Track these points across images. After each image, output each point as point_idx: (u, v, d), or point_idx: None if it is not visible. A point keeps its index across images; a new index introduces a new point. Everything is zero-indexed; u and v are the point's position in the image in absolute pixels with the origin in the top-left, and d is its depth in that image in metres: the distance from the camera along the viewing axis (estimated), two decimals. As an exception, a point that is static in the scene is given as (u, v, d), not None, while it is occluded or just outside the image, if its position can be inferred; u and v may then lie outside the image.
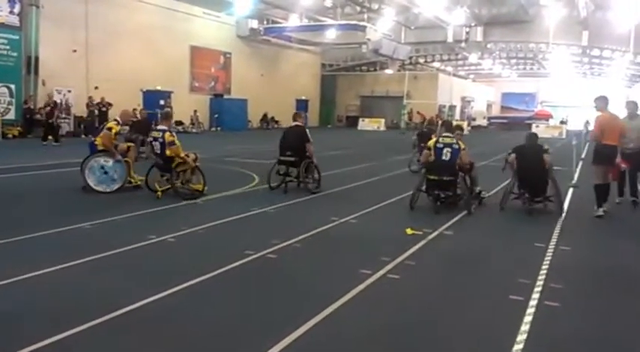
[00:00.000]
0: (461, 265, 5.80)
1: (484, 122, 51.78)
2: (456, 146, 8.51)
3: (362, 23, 30.89)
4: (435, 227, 7.25)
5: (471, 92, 55.14)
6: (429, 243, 6.56)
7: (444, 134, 8.74)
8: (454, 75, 51.65)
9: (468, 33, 37.54)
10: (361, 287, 4.84)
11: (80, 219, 6.91)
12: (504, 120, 52.45)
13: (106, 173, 9.14)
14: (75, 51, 22.90)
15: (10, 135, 19.89)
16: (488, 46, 41.19)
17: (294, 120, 10.64)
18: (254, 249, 5.85)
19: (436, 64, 48.72)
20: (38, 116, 21.00)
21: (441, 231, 7.12)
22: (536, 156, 8.45)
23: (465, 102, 52.36)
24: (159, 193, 8.82)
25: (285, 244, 6.17)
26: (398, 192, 9.81)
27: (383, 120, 39.80)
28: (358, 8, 33.26)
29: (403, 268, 5.49)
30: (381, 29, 32.76)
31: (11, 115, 20.25)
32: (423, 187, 8.57)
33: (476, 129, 42.07)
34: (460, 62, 49.08)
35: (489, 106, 61.76)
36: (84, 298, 4.38)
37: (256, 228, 7.13)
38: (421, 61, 45.69)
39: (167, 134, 8.77)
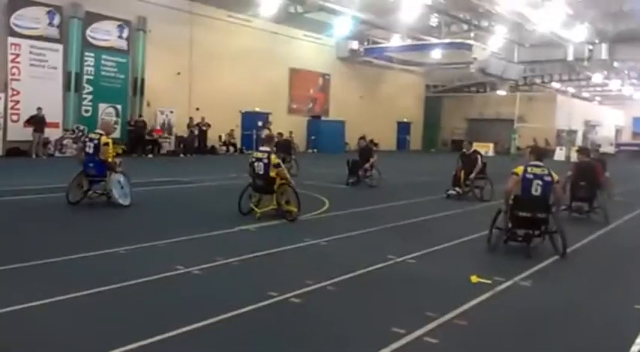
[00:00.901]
0: (528, 330, 4.52)
1: (611, 149, 46.90)
2: (548, 178, 7.02)
3: (468, 41, 29.24)
4: (511, 275, 5.94)
5: (596, 116, 50.42)
6: (495, 295, 5.31)
7: (533, 163, 7.23)
8: (575, 96, 47.57)
9: (591, 50, 34.25)
10: (383, 353, 3.81)
11: (111, 244, 6.52)
12: (636, 148, 47.14)
13: (122, 188, 9.35)
14: (179, 73, 23.84)
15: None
16: (615, 64, 37.30)
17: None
18: (280, 289, 5.03)
19: (555, 85, 45.09)
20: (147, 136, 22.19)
21: (515, 281, 5.80)
22: None
23: (589, 126, 47.90)
24: (259, 214, 8.70)
25: (317, 286, 5.28)
26: (480, 227, 8.46)
27: (492, 145, 37.34)
28: (465, 26, 31.61)
29: (448, 329, 4.36)
30: (490, 47, 30.82)
31: (117, 134, 21.30)
32: (502, 224, 7.16)
33: (605, 156, 38.07)
34: (583, 83, 45.01)
35: (618, 132, 56.06)
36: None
37: (297, 263, 6.31)
38: (537, 81, 42.52)
39: (273, 156, 8.89)
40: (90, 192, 9.37)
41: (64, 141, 19.84)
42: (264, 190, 8.93)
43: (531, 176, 7.04)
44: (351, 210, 10.28)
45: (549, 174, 7.03)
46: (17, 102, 19.06)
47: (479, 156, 12.24)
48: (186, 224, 8.15)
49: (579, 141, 41.64)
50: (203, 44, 24.39)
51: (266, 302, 4.72)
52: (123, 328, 4.10)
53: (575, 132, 42.61)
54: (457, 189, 11.98)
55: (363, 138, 15.02)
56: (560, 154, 33.75)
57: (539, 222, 7.06)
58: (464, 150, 12.70)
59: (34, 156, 18.76)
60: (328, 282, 5.40)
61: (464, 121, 42.39)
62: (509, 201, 7.08)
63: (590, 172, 10.16)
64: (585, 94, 51.44)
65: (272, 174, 8.77)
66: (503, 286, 5.58)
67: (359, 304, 4.95)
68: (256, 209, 8.86)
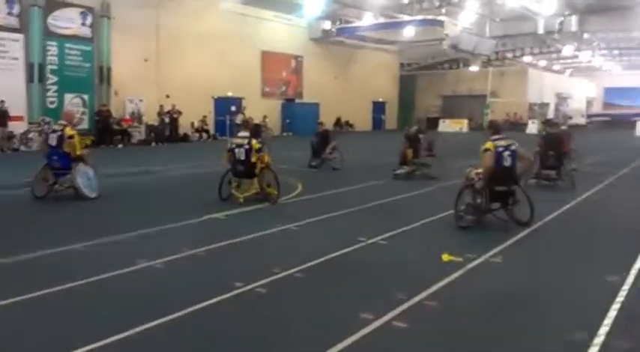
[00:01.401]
0: (499, 308, 4.46)
1: (582, 120, 47.51)
2: (514, 147, 7.18)
3: (440, 18, 29.04)
4: (481, 252, 5.89)
5: (567, 88, 50.87)
6: (466, 274, 5.25)
7: (495, 137, 7.24)
8: (547, 69, 47.86)
9: (561, 23, 34.31)
10: (349, 340, 3.71)
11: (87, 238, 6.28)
12: (606, 118, 47.82)
13: (89, 180, 9.15)
14: (146, 60, 23.19)
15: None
16: (585, 36, 37.53)
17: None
18: (246, 279, 4.89)
19: (527, 59, 45.24)
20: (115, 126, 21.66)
21: (486, 258, 5.76)
22: None
23: (560, 99, 48.33)
24: (241, 199, 8.66)
25: (285, 274, 5.15)
26: (448, 206, 8.39)
27: (466, 121, 37.49)
28: (437, 2, 31.38)
29: (418, 311, 4.28)
30: (462, 23, 30.67)
31: (85, 125, 20.76)
32: (479, 201, 7.11)
33: (573, 129, 38.47)
34: (554, 55, 45.21)
35: (589, 103, 56.72)
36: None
37: (266, 251, 6.15)
38: (509, 55, 42.60)
39: (254, 141, 8.91)
40: (56, 186, 9.08)
41: (30, 135, 19.22)
42: (246, 175, 8.94)
43: (501, 149, 7.13)
44: (323, 192, 10.13)
45: (513, 144, 7.21)
46: (-24, 95, 18.37)
47: (420, 136, 12.25)
48: (153, 215, 7.91)
49: (551, 114, 42.05)
50: (170, 29, 23.74)
51: (231, 294, 4.58)
52: (81, 328, 3.93)
53: (547, 104, 43.00)
54: (405, 167, 11.96)
55: (321, 123, 15.39)
56: (532, 127, 34.00)
57: (512, 193, 7.18)
58: (412, 130, 12.50)
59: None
60: (296, 269, 5.27)
61: (438, 98, 42.43)
62: (486, 176, 7.06)
63: (558, 142, 10.96)
64: (556, 67, 51.79)
65: (253, 159, 8.79)
66: (474, 264, 5.53)
67: (327, 291, 4.82)
68: (238, 194, 8.82)
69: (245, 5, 26.52)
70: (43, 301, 4.42)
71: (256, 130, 9.87)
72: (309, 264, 5.43)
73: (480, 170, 7.13)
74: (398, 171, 11.94)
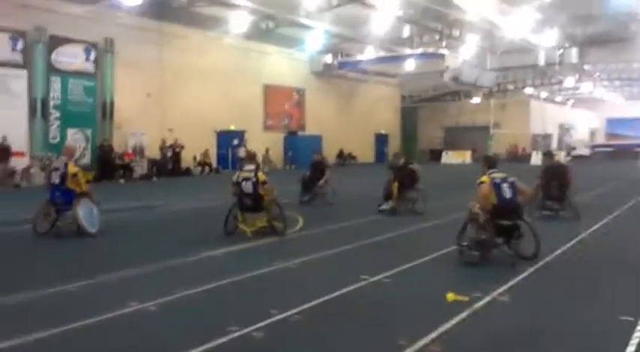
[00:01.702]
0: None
1: (586, 151, 47.42)
2: (512, 179, 7.07)
3: (440, 51, 29.33)
4: (488, 290, 5.65)
5: (570, 119, 51.02)
6: (472, 314, 5.00)
7: (491, 171, 7.15)
8: (549, 101, 48.07)
9: (561, 55, 34.62)
10: (349, 392, 3.45)
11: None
12: (610, 149, 47.71)
13: (91, 216, 9.05)
14: (149, 95, 23.36)
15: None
16: (586, 67, 37.85)
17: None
18: (241, 323, 4.65)
19: (528, 90, 45.55)
20: (118, 160, 21.65)
21: (493, 296, 5.50)
22: None
23: (563, 129, 48.41)
24: (249, 233, 8.67)
25: (283, 315, 4.91)
26: (448, 242, 8.16)
27: (469, 153, 37.44)
28: (437, 36, 31.76)
29: (422, 359, 4.02)
30: (463, 56, 30.94)
31: (87, 160, 20.75)
32: (483, 237, 6.90)
33: (576, 160, 38.36)
34: (556, 87, 45.53)
35: (592, 134, 56.78)
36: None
37: (263, 290, 5.92)
38: (510, 87, 42.93)
39: (260, 173, 9.02)
40: (58, 222, 8.96)
41: (32, 170, 19.19)
42: (254, 208, 8.89)
43: (499, 180, 7.03)
44: (324, 227, 9.93)
45: (510, 176, 7.14)
46: (-21, 131, 18.43)
47: (414, 168, 11.71)
48: (150, 253, 7.71)
49: (555, 145, 42.02)
50: (173, 64, 24.00)
51: (224, 339, 4.33)
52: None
53: (550, 136, 43.04)
54: (390, 202, 11.26)
55: (318, 153, 14.80)
56: (536, 158, 33.89)
57: (517, 228, 6.98)
58: (396, 162, 11.92)
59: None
60: (295, 310, 5.03)
61: (441, 130, 42.54)
62: (486, 210, 6.88)
63: (560, 173, 11.06)
64: (558, 98, 52.10)
65: (261, 191, 8.79)
66: (480, 303, 5.28)
67: (326, 335, 4.57)
68: (245, 227, 8.78)
69: (248, 40, 26.84)
70: (30, 347, 4.20)
71: (252, 155, 9.98)
72: (307, 305, 5.19)
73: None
74: (383, 207, 11.25)
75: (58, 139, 20.53)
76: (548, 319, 4.93)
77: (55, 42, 20.39)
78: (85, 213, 8.92)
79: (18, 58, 19.41)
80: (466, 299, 5.37)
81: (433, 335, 4.42)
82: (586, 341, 4.41)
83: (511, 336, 4.51)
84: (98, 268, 6.59)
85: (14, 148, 18.75)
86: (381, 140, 38.49)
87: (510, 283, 5.99)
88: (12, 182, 18.60)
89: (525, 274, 6.42)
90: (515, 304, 5.36)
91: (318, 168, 13.56)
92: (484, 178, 7.05)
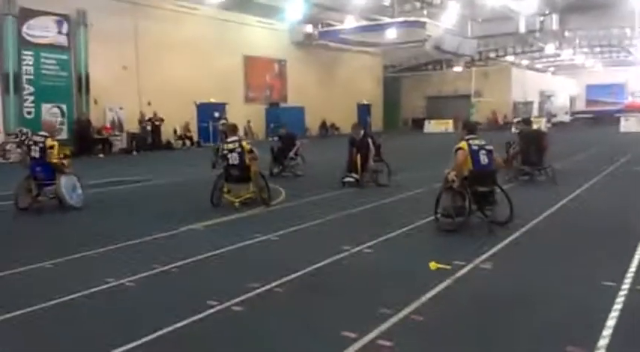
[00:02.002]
0: (491, 319, 4.20)
1: (566, 118, 47.79)
2: (489, 147, 7.06)
3: (422, 19, 29.02)
4: (471, 257, 5.65)
5: (551, 86, 51.19)
6: (455, 282, 4.99)
7: (469, 136, 7.13)
8: (530, 68, 48.13)
9: (542, 22, 34.58)
10: (331, 364, 3.42)
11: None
12: (590, 115, 48.09)
13: (74, 190, 9.12)
14: (125, 67, 22.82)
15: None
16: (566, 34, 37.87)
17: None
18: (221, 297, 4.57)
19: (510, 58, 45.50)
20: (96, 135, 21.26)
21: (476, 264, 5.50)
22: None
23: (544, 97, 48.61)
24: (236, 204, 8.78)
25: (264, 289, 4.84)
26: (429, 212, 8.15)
27: (451, 122, 37.49)
28: (418, 4, 31.43)
29: (404, 327, 3.99)
30: (444, 24, 30.68)
31: (63, 135, 20.29)
32: (460, 204, 6.90)
33: (557, 126, 38.66)
34: (536, 54, 45.54)
35: (573, 100, 57.13)
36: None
37: (244, 264, 5.85)
38: (492, 55, 42.84)
39: (244, 143, 9.14)
40: (40, 197, 8.94)
41: (7, 147, 18.76)
42: (241, 179, 9.00)
43: (476, 147, 7.02)
44: (306, 199, 9.85)
45: (488, 144, 7.10)
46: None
47: (369, 140, 11.35)
48: (131, 228, 7.57)
49: (536, 112, 42.24)
50: (149, 35, 23.40)
51: (204, 314, 4.26)
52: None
53: (531, 103, 43.22)
54: (354, 175, 11.01)
55: (283, 126, 14.72)
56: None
57: (491, 194, 7.04)
58: (353, 135, 11.48)
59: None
60: (276, 283, 4.97)
61: (423, 99, 42.42)
62: (462, 176, 6.89)
63: (537, 139, 11.48)
64: (539, 66, 52.21)
65: (247, 162, 8.91)
66: (463, 271, 5.27)
67: (307, 307, 4.53)
68: (232, 198, 8.87)
69: (226, 10, 26.25)
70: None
71: (234, 127, 9.98)
72: (289, 278, 5.14)
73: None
74: (346, 179, 11.04)
75: (33, 114, 20.07)
76: (530, 285, 4.93)
77: (26, 14, 19.72)
78: (68, 189, 8.88)
79: (-14, 31, 18.76)
80: (449, 267, 5.36)
81: (416, 304, 4.40)
82: (568, 305, 4.42)
83: (495, 302, 4.50)
84: (78, 244, 6.46)
85: (-13, 125, 18.28)
86: (364, 110, 38.31)
87: (492, 251, 5.98)
88: (-13, 159, 18.20)
89: (507, 241, 6.42)
90: (497, 271, 5.36)
91: (289, 141, 13.44)
92: (462, 144, 7.02)
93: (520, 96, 41.55)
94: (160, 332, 3.90)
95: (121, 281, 5.12)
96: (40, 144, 8.93)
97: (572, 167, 13.38)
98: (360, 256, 5.97)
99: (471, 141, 7.01)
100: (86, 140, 20.67)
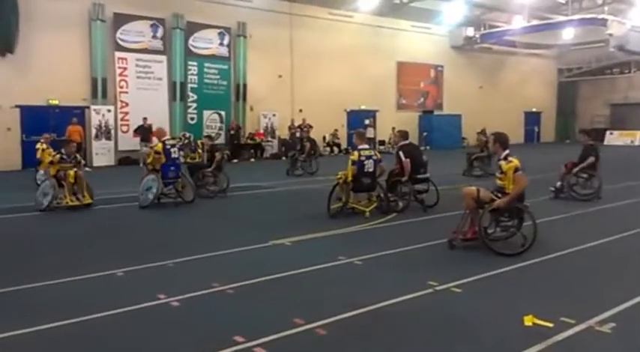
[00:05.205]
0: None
1: None
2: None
3: (602, 16, 25.45)
4: (585, 313, 4.31)
5: None
6: (556, 345, 3.76)
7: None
8: None
9: None
10: None
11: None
12: None
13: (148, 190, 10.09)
14: (280, 76, 23.60)
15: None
16: None
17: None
18: (251, 333, 4.00)
19: None
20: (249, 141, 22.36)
21: (589, 324, 4.16)
22: None
23: None
24: (367, 213, 8.72)
25: (306, 328, 4.14)
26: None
27: (639, 133, 32.46)
28: (599, 0, 27.75)
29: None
30: (630, 22, 26.57)
31: (221, 140, 21.56)
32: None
33: None
34: None
35: None
36: None
37: (304, 291, 5.18)
38: (697, 56, 36.18)
39: (376, 151, 9.36)
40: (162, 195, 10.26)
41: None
42: (371, 188, 8.96)
43: None
44: (416, 218, 8.84)
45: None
46: (126, 113, 20.03)
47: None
48: (224, 237, 7.45)
49: None
50: (304, 45, 23.92)
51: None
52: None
53: None
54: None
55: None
56: None
57: None
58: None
59: (141, 164, 19.49)
60: (322, 322, 4.22)
61: (606, 107, 37.28)
62: None
63: None
64: None
65: (377, 170, 8.97)
66: (570, 331, 3.99)
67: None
68: (363, 208, 8.78)
69: (380, 17, 25.79)
70: (44, 336, 3.98)
71: (362, 134, 9.68)
72: (340, 317, 4.35)
73: None
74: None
75: (195, 120, 21.66)
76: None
77: (192, 27, 21.36)
78: (142, 186, 10.12)
79: (158, 44, 20.64)
80: (550, 325, 4.12)
81: None
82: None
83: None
84: (146, 254, 6.40)
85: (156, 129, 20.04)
86: (532, 118, 35.00)
87: (616, 308, 4.52)
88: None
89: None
90: (617, 335, 3.97)
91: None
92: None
93: None
94: None
95: (169, 299, 4.82)
96: (177, 146, 11.19)
97: None
98: (444, 295, 4.93)
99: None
100: (237, 145, 21.74)
